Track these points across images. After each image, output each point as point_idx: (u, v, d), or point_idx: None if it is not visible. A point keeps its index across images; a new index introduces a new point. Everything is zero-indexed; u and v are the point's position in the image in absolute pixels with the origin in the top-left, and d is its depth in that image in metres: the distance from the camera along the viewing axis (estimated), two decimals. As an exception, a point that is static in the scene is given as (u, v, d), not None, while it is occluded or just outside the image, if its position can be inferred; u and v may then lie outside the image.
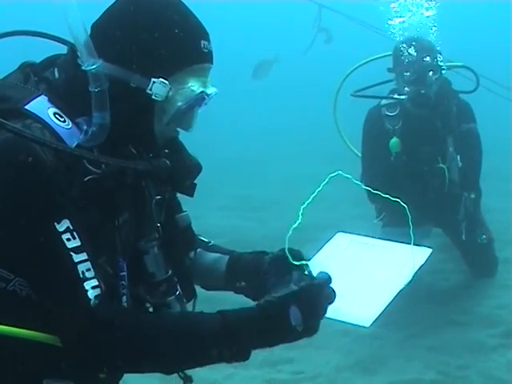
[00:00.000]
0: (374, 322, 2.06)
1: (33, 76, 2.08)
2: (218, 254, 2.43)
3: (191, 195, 2.22)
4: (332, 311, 2.06)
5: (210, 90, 2.07)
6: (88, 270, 1.89)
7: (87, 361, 1.94)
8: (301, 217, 2.04)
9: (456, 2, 5.95)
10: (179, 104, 2.01)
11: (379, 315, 2.06)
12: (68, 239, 1.87)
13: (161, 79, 1.97)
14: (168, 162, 2.09)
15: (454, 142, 5.33)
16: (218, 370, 4.53)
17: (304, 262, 2.11)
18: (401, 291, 2.14)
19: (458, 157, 5.34)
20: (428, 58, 5.12)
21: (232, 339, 1.94)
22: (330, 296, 2.04)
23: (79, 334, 1.89)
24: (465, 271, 5.91)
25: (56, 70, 2.08)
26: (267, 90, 15.01)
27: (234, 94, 11.55)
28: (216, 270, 2.40)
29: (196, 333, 1.94)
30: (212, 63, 2.08)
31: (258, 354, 4.64)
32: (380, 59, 5.78)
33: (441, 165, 5.33)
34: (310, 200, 2.03)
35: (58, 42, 2.24)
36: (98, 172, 1.96)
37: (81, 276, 1.88)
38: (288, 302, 1.98)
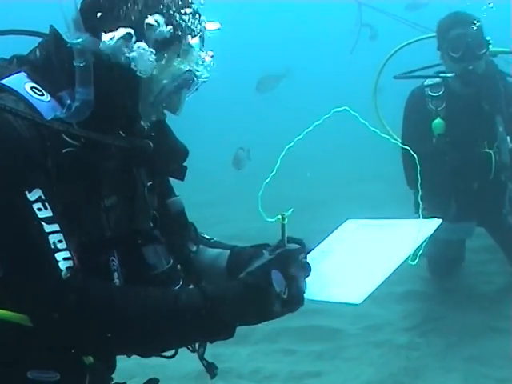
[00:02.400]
0: (364, 300, 1.95)
1: (16, 60, 2.07)
2: (219, 250, 2.38)
3: (182, 179, 2.18)
4: (324, 293, 2.01)
5: (199, 72, 2.03)
6: (60, 241, 1.82)
7: (58, 336, 1.85)
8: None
9: (455, 2, 5.56)
10: (164, 82, 1.98)
11: (372, 292, 1.95)
12: (39, 209, 1.81)
13: None
14: (151, 143, 2.04)
15: (504, 122, 5.00)
16: (239, 387, 4.27)
17: (278, 217, 2.01)
18: (402, 264, 2.02)
19: (508, 138, 5.00)
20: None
21: (213, 312, 1.86)
22: (305, 268, 1.99)
23: (49, 306, 1.80)
24: (509, 273, 5.51)
25: (38, 49, 2.06)
26: (305, 90, 14.74)
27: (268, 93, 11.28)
28: (217, 265, 2.34)
29: (173, 306, 1.86)
30: (202, 43, 2.04)
31: (283, 368, 4.43)
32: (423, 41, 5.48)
33: (487, 150, 4.98)
34: (301, 136, 2.00)
35: (40, 36, 2.18)
36: (77, 145, 1.92)
37: (52, 246, 1.81)
38: (268, 268, 1.92)
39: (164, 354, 2.14)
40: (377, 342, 4.65)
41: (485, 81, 4.90)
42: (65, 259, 1.81)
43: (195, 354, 4.77)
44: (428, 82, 5.09)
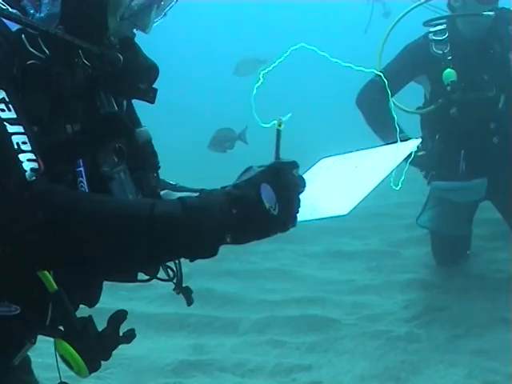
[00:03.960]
0: (351, 210, 1.82)
1: None
2: (186, 193, 2.23)
3: (152, 101, 2.06)
4: (309, 213, 1.87)
5: None
6: (24, 142, 1.71)
7: (19, 241, 1.67)
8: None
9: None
10: None
11: (358, 204, 1.83)
12: (2, 110, 1.72)
13: None
14: (121, 57, 1.92)
15: None
16: (220, 379, 3.91)
17: (274, 122, 1.80)
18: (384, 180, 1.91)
19: None
20: None
21: (194, 223, 1.69)
22: (299, 182, 1.81)
23: (11, 208, 1.66)
24: (522, 259, 5.13)
25: None
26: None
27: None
28: None
29: (149, 215, 1.68)
30: None
31: (269, 360, 4.05)
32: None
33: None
34: (270, 68, 1.85)
35: None
36: (42, 57, 1.84)
37: (15, 147, 1.70)
38: (257, 181, 1.73)
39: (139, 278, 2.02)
40: (373, 334, 4.27)
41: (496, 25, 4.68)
42: (29, 160, 1.68)
43: (173, 344, 4.46)
44: (431, 29, 4.87)
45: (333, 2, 15.35)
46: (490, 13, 4.57)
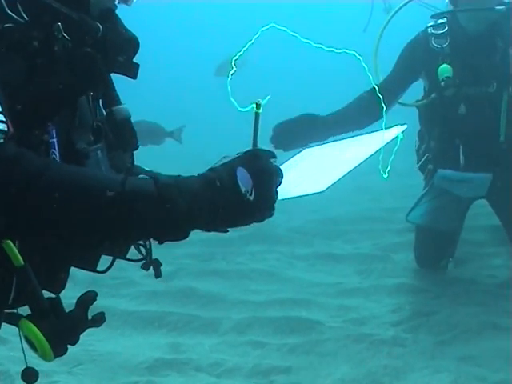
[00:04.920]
0: (329, 187, 1.82)
1: None
2: None
3: (134, 77, 1.99)
4: (288, 192, 1.85)
5: None
6: None
7: None
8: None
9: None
10: None
11: (335, 182, 1.83)
12: None
13: None
14: (101, 27, 1.86)
15: None
16: (194, 379, 3.76)
17: (252, 106, 1.75)
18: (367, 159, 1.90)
19: None
20: None
21: (166, 202, 1.62)
22: (277, 171, 1.74)
23: None
24: (516, 267, 4.97)
25: None
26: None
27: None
28: None
29: (120, 189, 1.62)
30: None
31: (248, 361, 3.88)
32: None
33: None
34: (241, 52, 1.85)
35: None
36: (20, 22, 1.79)
37: None
38: (234, 164, 1.69)
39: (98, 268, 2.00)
40: (357, 337, 4.11)
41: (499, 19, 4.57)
42: None
43: (150, 342, 4.31)
44: (431, 23, 4.77)
45: (329, 2, 15.32)
46: (501, 7, 4.43)
